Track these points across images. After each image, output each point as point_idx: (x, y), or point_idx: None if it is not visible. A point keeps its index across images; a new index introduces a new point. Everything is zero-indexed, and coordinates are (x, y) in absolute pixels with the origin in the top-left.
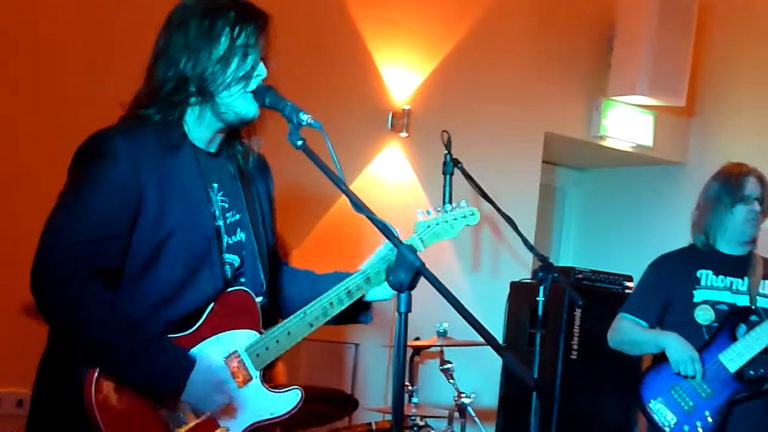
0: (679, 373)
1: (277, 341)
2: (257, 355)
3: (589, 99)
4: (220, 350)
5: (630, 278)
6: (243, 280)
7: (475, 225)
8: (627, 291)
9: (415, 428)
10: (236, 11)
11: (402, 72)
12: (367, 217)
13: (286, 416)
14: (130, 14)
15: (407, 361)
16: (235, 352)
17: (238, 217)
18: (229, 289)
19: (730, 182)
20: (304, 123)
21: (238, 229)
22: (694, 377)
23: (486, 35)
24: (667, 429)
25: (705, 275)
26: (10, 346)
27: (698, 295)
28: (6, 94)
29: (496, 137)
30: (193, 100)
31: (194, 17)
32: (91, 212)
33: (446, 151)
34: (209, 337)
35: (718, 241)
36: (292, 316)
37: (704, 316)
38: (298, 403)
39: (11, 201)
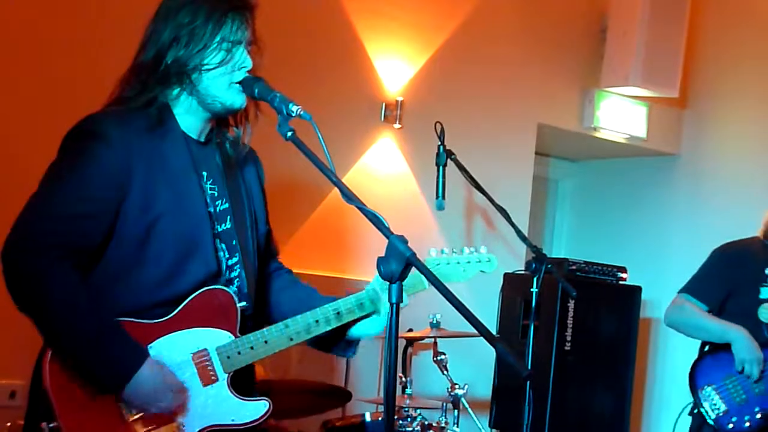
0: (742, 371)
1: (252, 347)
2: (228, 357)
3: (582, 90)
4: (189, 345)
5: (624, 269)
6: (235, 274)
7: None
8: (620, 282)
9: (409, 419)
10: (224, 2)
11: (395, 63)
12: (358, 207)
13: (248, 425)
14: (125, 6)
15: (400, 352)
16: (205, 350)
17: (226, 206)
18: (210, 287)
19: None
20: (293, 114)
21: (228, 217)
22: (758, 380)
23: (479, 26)
24: (714, 417)
25: None
26: (3, 339)
27: (764, 293)
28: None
29: (489, 128)
30: (174, 83)
31: (183, 7)
32: (71, 189)
33: (439, 143)
34: (180, 330)
35: None
36: (273, 326)
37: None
38: (264, 415)
39: (7, 195)
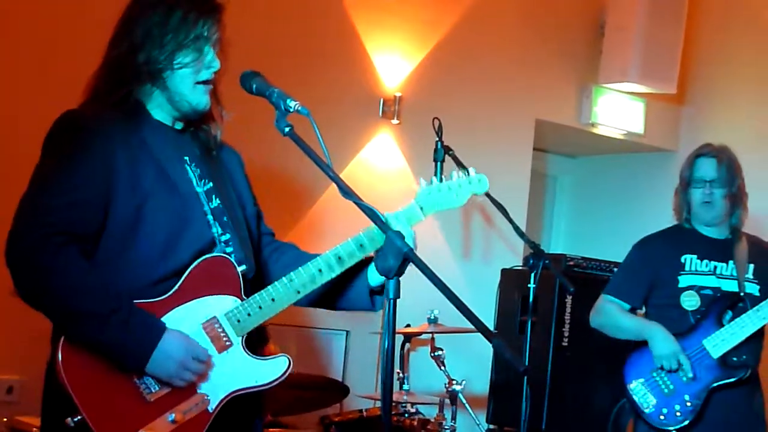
0: (662, 367)
1: (260, 307)
2: (238, 321)
3: (580, 86)
4: (198, 316)
5: None
6: (230, 249)
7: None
8: None
9: (406, 415)
10: (196, 3)
11: (393, 59)
12: (355, 202)
13: (273, 384)
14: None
15: (398, 348)
16: (214, 317)
17: (211, 185)
18: (207, 256)
19: (684, 165)
20: (291, 109)
21: (214, 196)
22: (677, 371)
23: (477, 22)
24: (646, 411)
25: (689, 260)
26: (0, 335)
27: (683, 281)
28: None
29: (487, 124)
30: (146, 80)
31: (156, 6)
32: (63, 180)
33: (437, 138)
34: (186, 302)
35: (693, 223)
36: (277, 282)
37: (690, 302)
38: (287, 371)
39: (8, 194)
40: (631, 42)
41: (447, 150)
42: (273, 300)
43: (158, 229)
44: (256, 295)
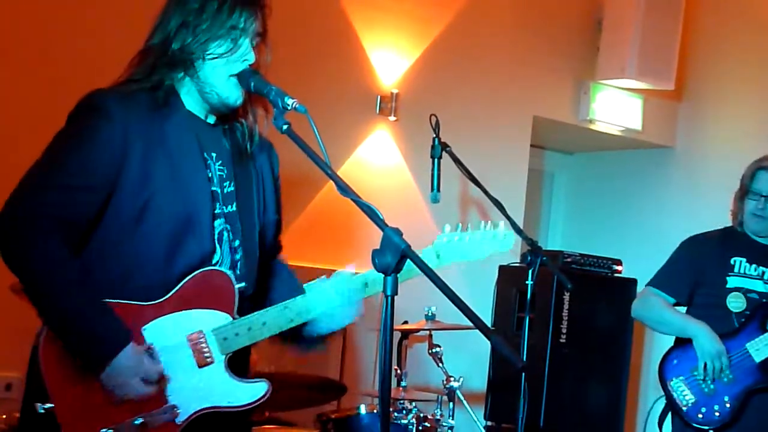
0: (705, 366)
1: (250, 329)
2: (225, 338)
3: (577, 82)
4: (185, 327)
5: (619, 262)
6: (239, 256)
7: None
8: (616, 275)
9: (404, 412)
10: None
11: (390, 55)
12: (353, 200)
13: (247, 407)
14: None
15: (395, 345)
16: (201, 331)
17: (232, 189)
18: (208, 268)
19: (746, 172)
20: (289, 107)
21: (234, 201)
22: (719, 371)
23: (474, 19)
24: (684, 408)
25: (739, 263)
26: None
27: (731, 282)
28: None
29: (484, 121)
30: (179, 68)
31: None
32: (68, 161)
33: (434, 135)
34: (176, 311)
35: (745, 229)
36: (272, 307)
37: (736, 303)
38: (263, 396)
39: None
40: (629, 38)
41: (444, 147)
42: (264, 324)
43: (160, 231)
44: (248, 316)
